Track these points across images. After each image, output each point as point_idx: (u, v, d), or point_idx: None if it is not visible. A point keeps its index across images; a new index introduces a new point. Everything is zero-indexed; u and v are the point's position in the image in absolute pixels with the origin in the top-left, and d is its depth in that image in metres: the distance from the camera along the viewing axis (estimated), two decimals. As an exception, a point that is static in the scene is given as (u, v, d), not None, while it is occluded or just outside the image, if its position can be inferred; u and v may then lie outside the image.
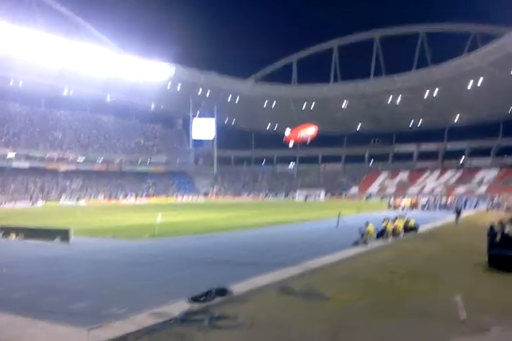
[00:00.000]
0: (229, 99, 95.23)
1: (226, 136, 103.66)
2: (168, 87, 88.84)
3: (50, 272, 13.75)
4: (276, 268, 13.41)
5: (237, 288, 10.65)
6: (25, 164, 76.12)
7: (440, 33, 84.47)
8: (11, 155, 74.54)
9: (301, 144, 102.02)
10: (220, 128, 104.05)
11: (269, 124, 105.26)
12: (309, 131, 55.82)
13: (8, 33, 65.86)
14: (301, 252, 17.24)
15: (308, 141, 57.78)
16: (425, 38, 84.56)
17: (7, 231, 22.32)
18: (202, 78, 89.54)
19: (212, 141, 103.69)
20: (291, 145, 58.97)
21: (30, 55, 71.23)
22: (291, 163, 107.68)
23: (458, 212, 29.14)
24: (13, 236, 21.72)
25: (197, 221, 33.27)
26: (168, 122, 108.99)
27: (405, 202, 48.67)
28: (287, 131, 54.11)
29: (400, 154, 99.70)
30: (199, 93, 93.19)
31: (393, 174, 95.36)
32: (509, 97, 77.56)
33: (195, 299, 9.60)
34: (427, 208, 46.80)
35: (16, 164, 74.95)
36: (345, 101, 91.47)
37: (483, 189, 78.27)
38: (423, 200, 51.00)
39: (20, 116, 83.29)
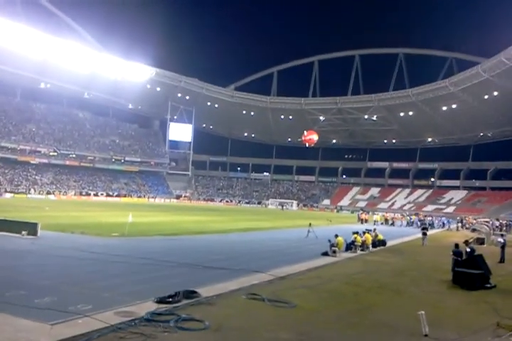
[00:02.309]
0: (208, 105, 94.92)
1: (203, 140, 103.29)
2: (148, 88, 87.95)
3: (15, 265, 13.48)
4: (245, 274, 13.50)
5: (205, 291, 10.66)
6: (-5, 154, 74.13)
7: (419, 55, 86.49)
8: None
9: (276, 153, 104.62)
10: (197, 133, 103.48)
11: (247, 133, 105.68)
12: (316, 137, 68.39)
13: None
14: (271, 259, 17.34)
15: (313, 144, 71.18)
16: (404, 60, 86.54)
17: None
18: (182, 82, 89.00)
19: (189, 144, 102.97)
20: (307, 145, 71.01)
21: (11, 45, 69.47)
22: (266, 172, 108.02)
23: (425, 230, 29.34)
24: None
25: (167, 223, 32.98)
26: (145, 123, 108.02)
27: (377, 217, 49.33)
28: (305, 134, 65.93)
29: (372, 170, 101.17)
30: (178, 96, 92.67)
31: (365, 189, 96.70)
32: (479, 123, 79.85)
33: (162, 300, 9.56)
34: (407, 225, 47.67)
35: (-15, 154, 72.91)
36: (322, 115, 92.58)
37: (451, 209, 79.95)
38: (406, 218, 52.21)
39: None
